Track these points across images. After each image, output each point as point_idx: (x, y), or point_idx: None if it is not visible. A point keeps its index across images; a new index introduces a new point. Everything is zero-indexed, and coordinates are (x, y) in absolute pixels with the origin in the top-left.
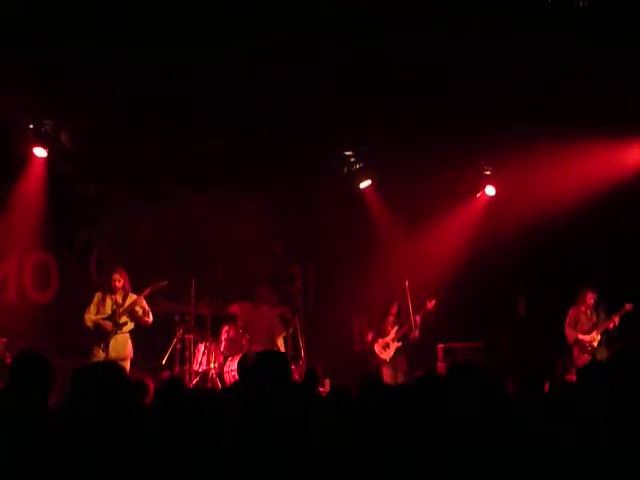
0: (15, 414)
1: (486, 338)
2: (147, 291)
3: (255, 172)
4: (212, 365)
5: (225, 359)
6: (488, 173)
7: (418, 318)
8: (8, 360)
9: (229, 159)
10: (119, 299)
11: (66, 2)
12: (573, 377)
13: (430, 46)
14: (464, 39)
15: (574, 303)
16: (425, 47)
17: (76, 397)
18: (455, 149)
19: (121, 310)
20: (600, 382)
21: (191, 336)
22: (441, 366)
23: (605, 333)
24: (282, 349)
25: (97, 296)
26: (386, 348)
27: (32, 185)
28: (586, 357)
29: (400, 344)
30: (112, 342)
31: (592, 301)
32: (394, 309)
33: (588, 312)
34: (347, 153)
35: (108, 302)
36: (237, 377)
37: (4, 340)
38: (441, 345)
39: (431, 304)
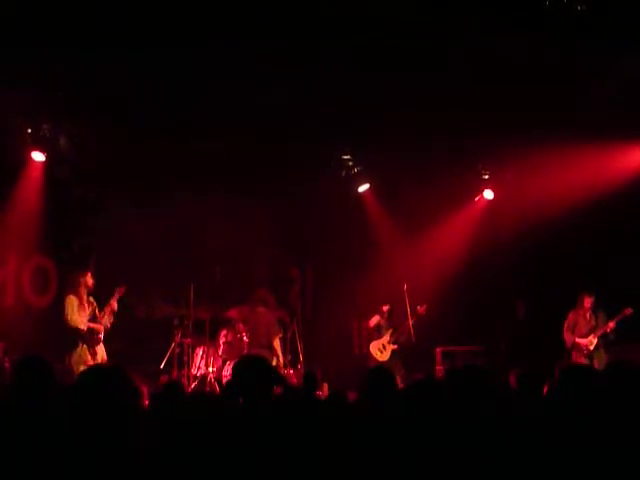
0: (15, 415)
1: (485, 342)
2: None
3: (254, 176)
4: (210, 369)
5: (223, 363)
6: (486, 177)
7: (410, 322)
8: (7, 364)
9: (227, 163)
10: (93, 300)
11: (65, 4)
12: None
13: (429, 50)
14: (463, 43)
15: (574, 307)
16: (423, 51)
17: (81, 400)
18: (453, 153)
19: (107, 310)
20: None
21: (189, 340)
22: (439, 369)
23: (603, 337)
24: (278, 350)
25: (74, 299)
26: (382, 350)
27: (30, 189)
28: (583, 361)
29: (396, 347)
30: (98, 347)
31: (589, 305)
32: (385, 307)
33: (587, 315)
34: (345, 157)
35: (86, 305)
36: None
37: (2, 344)
38: (439, 349)
39: (422, 309)
